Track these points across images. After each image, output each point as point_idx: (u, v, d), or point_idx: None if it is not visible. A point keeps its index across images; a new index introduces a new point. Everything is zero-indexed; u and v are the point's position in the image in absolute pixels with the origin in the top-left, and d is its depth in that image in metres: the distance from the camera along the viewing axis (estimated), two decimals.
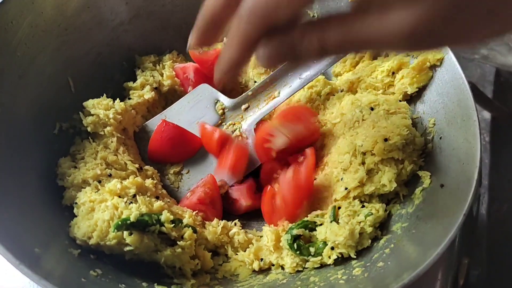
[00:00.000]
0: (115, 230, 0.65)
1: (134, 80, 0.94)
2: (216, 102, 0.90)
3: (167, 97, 0.95)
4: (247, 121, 0.89)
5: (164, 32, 1.01)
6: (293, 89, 0.87)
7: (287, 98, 0.87)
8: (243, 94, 0.90)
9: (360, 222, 0.73)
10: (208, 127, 0.88)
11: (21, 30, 0.77)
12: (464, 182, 0.68)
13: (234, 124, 0.88)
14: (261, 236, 0.81)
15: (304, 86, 0.87)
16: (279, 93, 0.88)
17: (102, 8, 0.91)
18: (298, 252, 0.73)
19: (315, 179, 0.84)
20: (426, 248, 0.61)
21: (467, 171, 0.69)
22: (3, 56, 0.73)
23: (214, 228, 0.78)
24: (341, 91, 0.92)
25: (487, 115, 1.68)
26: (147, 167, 0.84)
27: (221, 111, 0.89)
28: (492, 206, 1.47)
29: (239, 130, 0.88)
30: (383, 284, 0.60)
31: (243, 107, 0.90)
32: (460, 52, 1.85)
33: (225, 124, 0.89)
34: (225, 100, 0.90)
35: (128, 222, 0.66)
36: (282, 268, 0.76)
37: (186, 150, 0.88)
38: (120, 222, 0.65)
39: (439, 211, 0.69)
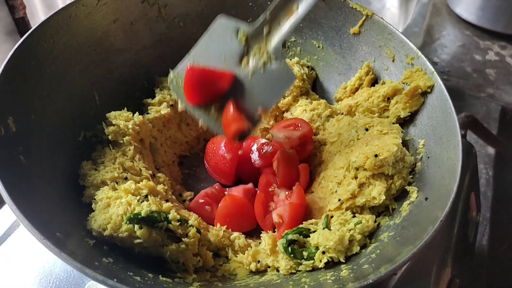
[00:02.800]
0: (127, 222, 0.73)
1: (153, 97, 1.04)
2: (237, 32, 0.85)
3: (181, 114, 1.04)
4: (272, 44, 0.84)
5: (182, 56, 1.11)
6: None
7: (306, 10, 0.80)
8: (260, 17, 0.84)
9: (350, 230, 0.79)
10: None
11: (56, 48, 0.88)
12: (444, 195, 0.74)
13: (261, 50, 0.84)
14: (259, 243, 0.88)
15: None
16: (297, 6, 0.81)
17: (128, 33, 1.02)
18: (292, 256, 0.80)
19: (311, 192, 0.91)
20: (405, 248, 0.68)
21: (448, 185, 0.75)
22: (40, 69, 0.84)
23: (217, 231, 0.85)
24: (341, 114, 1.00)
25: (491, 150, 1.73)
26: (159, 174, 0.92)
27: (244, 38, 0.84)
28: (494, 240, 1.49)
29: (266, 55, 0.84)
30: (363, 276, 0.66)
31: (265, 31, 0.84)
32: (467, 90, 1.93)
33: (252, 52, 0.85)
34: (246, 28, 0.84)
35: (139, 217, 0.74)
36: (277, 270, 0.82)
37: (218, 87, 0.87)
38: (132, 216, 0.73)
39: (421, 220, 0.75)
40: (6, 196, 0.62)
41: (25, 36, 0.82)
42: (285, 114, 1.06)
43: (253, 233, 0.94)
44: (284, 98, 1.06)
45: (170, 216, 0.77)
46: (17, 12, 1.48)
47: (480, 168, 1.62)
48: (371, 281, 0.64)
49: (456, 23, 2.26)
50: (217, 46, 0.86)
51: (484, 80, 1.99)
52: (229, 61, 0.86)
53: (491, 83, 1.97)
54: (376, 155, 0.82)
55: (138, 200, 0.77)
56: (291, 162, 0.94)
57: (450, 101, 0.86)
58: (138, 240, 0.74)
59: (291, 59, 1.12)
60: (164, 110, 0.99)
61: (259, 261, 0.82)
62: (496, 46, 2.15)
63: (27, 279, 0.93)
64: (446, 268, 1.03)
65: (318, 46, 1.10)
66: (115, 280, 0.59)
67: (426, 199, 0.79)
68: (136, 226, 0.73)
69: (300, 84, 1.06)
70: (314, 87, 1.13)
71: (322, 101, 1.03)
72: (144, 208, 0.75)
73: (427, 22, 2.31)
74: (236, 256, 0.84)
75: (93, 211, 0.79)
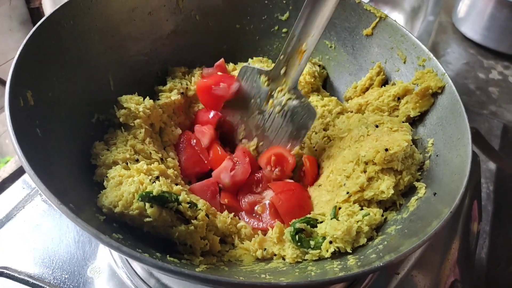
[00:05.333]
0: (139, 199, 0.73)
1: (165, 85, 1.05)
2: (260, 75, 0.99)
3: (191, 101, 1.06)
4: (290, 83, 0.95)
5: (196, 50, 1.13)
6: (315, 37, 0.90)
7: (314, 47, 0.91)
8: (277, 60, 0.96)
9: (358, 221, 0.80)
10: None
11: (76, 29, 0.89)
12: (454, 190, 0.75)
13: (282, 89, 0.96)
14: (265, 234, 0.88)
15: (323, 30, 0.90)
16: (305, 45, 0.91)
17: (145, 22, 1.04)
18: (299, 244, 0.80)
19: (319, 185, 0.92)
20: (413, 238, 0.68)
21: (457, 180, 0.76)
22: (59, 49, 0.85)
23: (224, 218, 0.86)
24: (351, 112, 1.01)
25: (492, 165, 1.75)
26: (169, 159, 0.93)
27: (266, 82, 0.98)
28: (491, 258, 1.49)
29: (286, 92, 0.96)
30: (366, 263, 0.67)
31: (282, 72, 0.95)
32: (470, 106, 1.95)
33: (275, 93, 0.98)
34: (266, 71, 0.98)
35: (151, 195, 0.74)
36: (283, 258, 0.82)
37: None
38: (144, 193, 0.74)
39: (430, 214, 0.76)
40: (24, 161, 0.62)
41: (47, 15, 0.84)
42: None
43: None
44: None
45: (180, 198, 0.77)
46: (32, 2, 1.50)
47: (481, 183, 1.63)
48: (376, 266, 0.64)
49: (461, 41, 2.30)
50: (248, 87, 1.01)
51: (487, 98, 2.01)
52: (258, 100, 1.01)
53: (493, 101, 2.00)
54: (386, 149, 0.83)
55: (150, 180, 0.78)
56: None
57: (460, 102, 0.87)
58: (148, 219, 0.74)
59: None
60: (174, 96, 1.01)
61: (265, 249, 0.83)
62: (500, 65, 2.19)
63: (30, 259, 0.93)
64: (448, 272, 1.04)
65: (330, 46, 1.12)
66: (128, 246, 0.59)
67: (435, 194, 0.80)
68: (147, 205, 0.74)
69: (312, 80, 1.08)
70: (324, 86, 1.15)
71: (333, 98, 1.05)
72: (155, 188, 0.75)
73: (433, 39, 2.35)
74: (243, 243, 0.84)
75: (104, 190, 0.79)
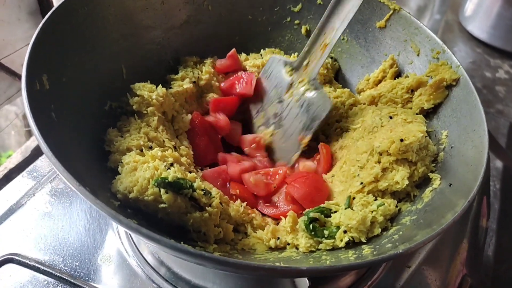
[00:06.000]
0: (155, 184, 0.73)
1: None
2: (285, 66, 1.03)
3: (203, 90, 1.06)
4: (310, 74, 0.99)
5: (208, 40, 1.13)
6: (339, 31, 0.95)
7: (336, 40, 0.96)
8: (301, 52, 1.00)
9: (372, 211, 0.79)
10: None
11: (90, 16, 0.89)
12: (470, 180, 0.75)
13: (303, 80, 1.00)
14: (278, 223, 0.88)
15: (346, 24, 0.94)
16: (329, 38, 0.96)
17: (158, 11, 1.03)
18: (313, 233, 0.79)
19: (333, 176, 0.92)
20: (428, 229, 0.68)
21: (474, 171, 0.76)
22: (73, 35, 0.85)
23: (237, 207, 0.85)
24: (363, 104, 1.01)
25: (499, 163, 1.75)
26: (182, 147, 0.92)
27: (289, 73, 1.02)
28: (497, 257, 1.49)
29: (306, 83, 0.99)
30: (382, 252, 0.66)
31: (304, 63, 1.00)
32: None
33: (296, 83, 1.01)
34: (291, 62, 1.03)
35: (166, 181, 0.74)
36: (296, 248, 0.82)
37: None
38: (159, 179, 0.73)
39: (445, 204, 0.75)
40: (42, 143, 0.62)
41: (62, 1, 0.83)
42: None
43: None
44: None
45: (195, 185, 0.77)
46: None
47: None
48: (392, 254, 0.64)
49: (468, 40, 2.30)
50: (270, 80, 1.06)
51: (493, 97, 2.01)
52: (279, 90, 1.03)
53: (500, 100, 2.00)
54: (401, 140, 0.83)
55: (165, 166, 0.78)
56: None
57: (475, 93, 0.87)
58: (162, 205, 0.74)
59: None
60: (186, 85, 1.01)
61: (278, 238, 0.82)
62: (506, 64, 2.18)
63: (41, 247, 0.92)
64: (459, 266, 1.04)
65: (343, 39, 1.12)
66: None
67: (450, 185, 0.79)
68: (162, 190, 0.73)
69: (324, 72, 1.08)
70: (336, 78, 1.15)
71: (346, 90, 1.04)
72: (171, 174, 0.75)
73: (439, 38, 2.35)
74: (256, 232, 0.84)
75: (118, 175, 0.79)
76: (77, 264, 0.90)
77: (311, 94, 0.97)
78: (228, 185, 0.93)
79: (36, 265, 0.89)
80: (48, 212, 0.99)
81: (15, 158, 1.47)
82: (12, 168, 1.42)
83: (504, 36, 2.14)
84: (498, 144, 1.74)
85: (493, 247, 1.51)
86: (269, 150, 1.03)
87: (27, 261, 0.90)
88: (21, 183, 1.06)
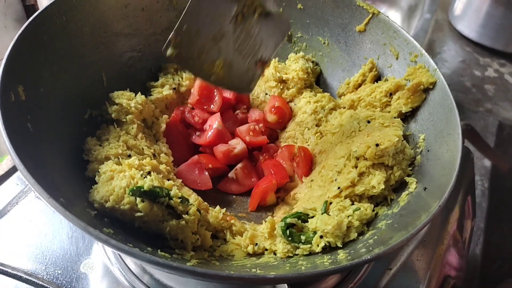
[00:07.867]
0: (130, 194, 0.73)
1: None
2: None
3: (184, 97, 1.06)
4: None
5: None
6: None
7: None
8: None
9: (348, 216, 0.80)
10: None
11: (69, 26, 0.89)
12: (443, 184, 0.75)
13: (253, 3, 0.82)
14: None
15: None
16: None
17: (138, 18, 1.04)
18: (290, 239, 0.80)
19: (311, 181, 0.92)
20: (403, 231, 0.69)
21: (447, 174, 0.77)
22: (52, 44, 0.85)
23: (216, 213, 0.86)
24: (343, 108, 1.02)
25: (487, 162, 1.75)
26: (162, 155, 0.93)
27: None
28: (487, 256, 1.50)
29: (259, 7, 0.83)
30: (356, 256, 0.67)
31: None
32: (465, 104, 1.96)
33: (244, 7, 0.82)
34: None
35: (142, 190, 0.75)
36: (274, 253, 0.82)
37: None
38: (134, 188, 0.74)
39: (420, 208, 0.76)
40: (14, 156, 0.63)
41: (40, 11, 0.84)
42: (290, 105, 1.08)
43: (251, 218, 0.95)
44: (289, 90, 1.08)
45: (172, 193, 0.77)
46: None
47: (476, 180, 1.64)
48: (365, 259, 0.65)
49: (457, 39, 2.30)
50: (209, 6, 0.81)
51: (482, 95, 2.01)
52: (223, 18, 0.82)
53: (489, 99, 2.00)
54: (377, 145, 0.83)
55: (141, 175, 0.78)
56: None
57: (451, 97, 0.88)
58: (139, 214, 0.74)
59: (296, 54, 1.14)
60: (166, 91, 1.02)
61: (256, 244, 0.83)
62: (496, 63, 2.19)
63: (24, 255, 0.93)
64: (441, 267, 1.04)
65: (324, 43, 1.13)
66: (117, 240, 0.60)
67: (425, 189, 0.80)
68: (138, 199, 0.74)
69: (305, 77, 1.08)
70: (318, 82, 1.15)
71: (326, 94, 1.05)
72: (146, 182, 0.76)
73: (429, 37, 2.35)
74: (234, 238, 0.84)
75: (95, 185, 0.79)
76: (59, 272, 0.91)
77: (266, 17, 0.84)
78: (205, 173, 0.96)
79: (19, 274, 0.90)
80: (32, 220, 0.99)
81: (5, 164, 1.47)
82: (1, 175, 1.42)
83: (493, 35, 2.14)
84: (486, 143, 1.75)
85: (481, 246, 1.51)
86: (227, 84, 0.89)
87: (10, 270, 0.90)
88: (5, 191, 1.06)
